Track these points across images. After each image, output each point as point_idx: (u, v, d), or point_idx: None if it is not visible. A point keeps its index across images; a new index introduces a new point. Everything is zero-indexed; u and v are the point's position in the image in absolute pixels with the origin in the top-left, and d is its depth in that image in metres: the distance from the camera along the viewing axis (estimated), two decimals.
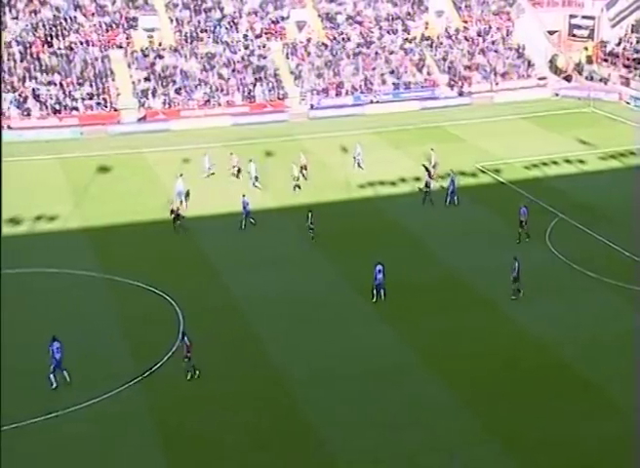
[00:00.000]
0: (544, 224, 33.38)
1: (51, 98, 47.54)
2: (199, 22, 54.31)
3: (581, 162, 41.44)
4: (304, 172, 38.82)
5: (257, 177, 38.27)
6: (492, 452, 20.08)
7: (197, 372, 23.06)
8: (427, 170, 38.67)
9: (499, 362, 23.86)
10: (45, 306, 27.18)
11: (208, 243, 32.29)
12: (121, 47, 51.69)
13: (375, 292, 27.43)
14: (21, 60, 48.79)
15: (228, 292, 28.20)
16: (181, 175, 35.72)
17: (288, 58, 54.05)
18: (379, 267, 27.25)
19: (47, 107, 47.25)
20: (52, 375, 22.47)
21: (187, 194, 35.94)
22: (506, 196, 36.82)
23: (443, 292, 28.17)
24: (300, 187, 37.33)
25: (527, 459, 19.75)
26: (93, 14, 52.71)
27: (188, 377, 23.01)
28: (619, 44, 57.31)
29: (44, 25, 50.81)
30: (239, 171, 39.14)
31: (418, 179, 38.69)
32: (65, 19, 51.72)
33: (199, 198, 36.63)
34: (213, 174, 39.07)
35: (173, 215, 32.85)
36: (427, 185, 36.14)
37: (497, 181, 39.00)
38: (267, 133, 46.27)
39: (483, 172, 40.00)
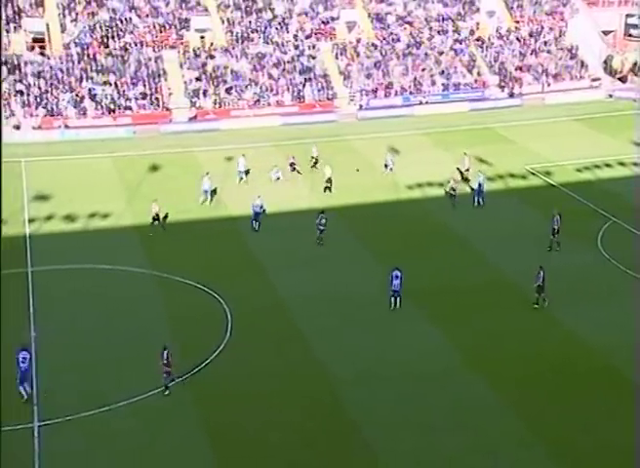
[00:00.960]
0: (596, 228, 32.96)
1: (106, 98, 48.61)
2: (250, 23, 54.81)
3: (636, 165, 40.66)
4: (316, 164, 39.67)
5: (247, 172, 38.81)
6: (537, 456, 19.96)
7: (170, 389, 22.13)
8: (461, 173, 38.28)
9: (546, 365, 23.64)
10: (96, 303, 27.64)
11: (255, 242, 32.57)
12: (174, 47, 52.48)
13: (392, 299, 26.61)
14: (79, 61, 49.99)
15: (275, 290, 28.43)
16: (208, 174, 36.32)
17: (337, 59, 54.16)
18: (395, 272, 26.47)
19: (102, 107, 48.33)
20: (21, 387, 21.56)
21: (214, 192, 36.45)
22: (557, 199, 36.30)
23: (490, 295, 27.97)
24: (330, 190, 37.19)
25: (572, 464, 19.65)
26: (147, 15, 53.65)
27: (166, 393, 22.21)
28: None
29: (101, 27, 51.98)
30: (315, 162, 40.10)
31: (466, 180, 38.39)
32: (121, 21, 52.81)
33: (243, 197, 36.76)
34: (242, 179, 38.91)
35: (153, 217, 33.07)
36: (453, 189, 36.19)
37: (547, 184, 38.55)
38: (316, 133, 46.33)
39: (533, 174, 39.53)
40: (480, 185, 35.90)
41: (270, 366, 23.86)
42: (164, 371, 22.21)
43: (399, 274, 26.45)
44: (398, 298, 26.67)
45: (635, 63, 56.59)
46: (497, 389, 22.52)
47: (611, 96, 53.71)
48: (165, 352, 22.20)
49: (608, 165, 40.61)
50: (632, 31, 57.90)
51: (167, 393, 22.29)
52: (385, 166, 39.63)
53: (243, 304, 27.10)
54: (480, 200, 35.84)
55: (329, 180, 37.45)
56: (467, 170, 38.46)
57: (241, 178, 38.98)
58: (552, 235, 31.16)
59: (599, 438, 20.37)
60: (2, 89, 45.44)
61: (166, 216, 34.32)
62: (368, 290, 28.32)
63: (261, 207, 33.82)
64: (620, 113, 50.10)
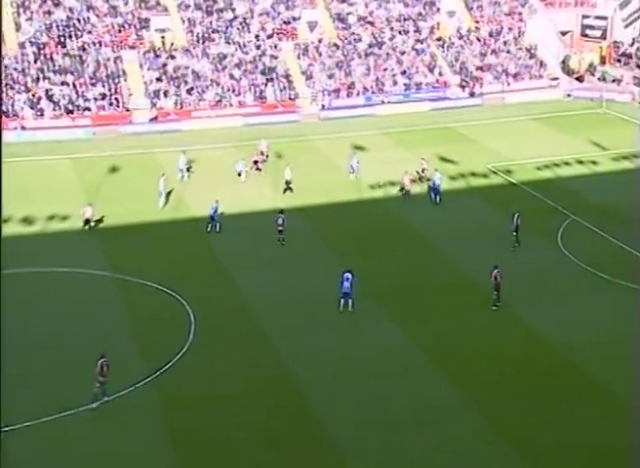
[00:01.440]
0: (556, 225, 33.26)
1: (64, 99, 47.78)
2: (211, 23, 54.43)
3: (594, 163, 41.29)
4: (264, 158, 39.81)
5: (188, 169, 39.06)
6: (500, 454, 19.97)
7: (103, 400, 21.48)
8: (418, 173, 38.40)
9: (508, 364, 23.78)
10: (56, 306, 27.24)
11: (217, 243, 32.32)
12: (133, 47, 51.87)
13: (342, 301, 26.47)
14: (35, 61, 49.07)
15: (238, 291, 28.25)
16: (164, 175, 36.15)
17: (299, 59, 54.03)
18: (346, 275, 26.35)
19: (60, 107, 47.50)
20: None
21: (169, 194, 36.25)
22: (518, 197, 36.62)
23: (452, 293, 28.07)
24: (291, 190, 37.07)
25: (535, 462, 19.66)
26: (105, 14, 52.95)
27: (94, 405, 21.37)
28: (632, 44, 57.02)
29: (57, 26, 51.09)
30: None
31: (428, 180, 38.52)
32: (79, 20, 51.99)
33: (205, 198, 36.35)
34: (182, 177, 38.81)
35: (84, 219, 32.78)
36: (405, 188, 36.70)
37: (508, 182, 38.89)
38: (278, 133, 46.21)
39: (494, 172, 39.88)
40: (435, 183, 36.23)
41: (234, 367, 23.72)
42: (97, 381, 21.37)
43: (349, 276, 26.42)
44: (350, 300, 26.58)
45: (591, 63, 57.45)
46: (459, 388, 22.57)
47: (569, 95, 54.36)
48: (101, 361, 21.52)
49: (567, 163, 41.08)
50: (588, 32, 58.82)
51: (94, 406, 21.42)
52: (352, 169, 39.22)
53: (206, 306, 26.85)
54: (437, 198, 36.05)
55: (288, 182, 37.30)
56: (424, 170, 38.56)
57: (182, 177, 38.80)
58: (514, 233, 31.40)
59: (559, 435, 20.46)
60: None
61: (100, 221, 33.76)
62: (331, 290, 28.11)
63: (216, 210, 33.35)
64: (578, 112, 50.78)
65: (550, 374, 23.17)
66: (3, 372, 22.20)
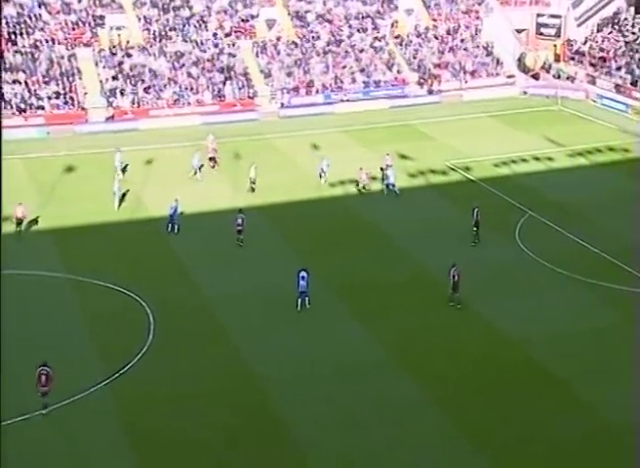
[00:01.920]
0: (514, 221, 33.55)
1: (16, 97, 46.71)
2: (167, 21, 53.75)
3: (550, 159, 41.74)
4: (215, 153, 39.65)
5: (124, 168, 38.69)
6: (460, 450, 20.05)
7: (47, 410, 20.95)
8: (382, 169, 38.41)
9: (468, 359, 23.89)
10: (9, 309, 26.40)
11: (176, 243, 31.99)
12: (88, 45, 50.91)
13: (299, 300, 26.42)
14: None
15: (198, 291, 27.99)
16: (118, 176, 35.52)
17: (258, 57, 53.68)
18: (302, 273, 26.32)
19: (12, 106, 46.42)
20: None
21: (124, 195, 35.79)
22: (476, 193, 36.89)
23: (412, 290, 28.17)
24: (253, 190, 36.91)
25: (494, 457, 19.75)
26: (58, 12, 51.90)
27: (44, 412, 20.84)
28: (585, 43, 57.92)
29: (7, 23, 49.89)
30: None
31: (388, 178, 38.52)
32: (30, 17, 50.87)
33: (164, 198, 35.96)
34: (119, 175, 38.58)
35: (16, 221, 32.15)
36: (363, 186, 36.79)
37: (466, 179, 39.13)
38: (237, 132, 45.93)
39: (453, 169, 40.11)
40: (388, 178, 36.81)
41: (195, 366, 23.50)
42: (40, 392, 20.68)
43: (305, 275, 26.40)
44: (306, 299, 26.56)
45: (546, 61, 58.11)
46: (420, 384, 22.66)
47: (525, 92, 54.88)
48: (39, 370, 20.78)
49: (524, 160, 41.45)
50: (543, 30, 59.63)
51: (44, 412, 20.91)
52: (320, 174, 38.45)
53: (165, 306, 26.59)
54: (394, 191, 36.54)
55: (252, 181, 37.03)
56: (388, 166, 38.70)
57: (118, 175, 38.43)
58: (474, 229, 31.56)
59: (519, 430, 20.65)
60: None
61: (34, 221, 33.09)
62: (291, 288, 27.92)
63: (175, 209, 32.91)
64: (534, 109, 51.22)
65: (510, 370, 23.35)
66: None
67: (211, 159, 39.98)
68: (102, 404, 21.74)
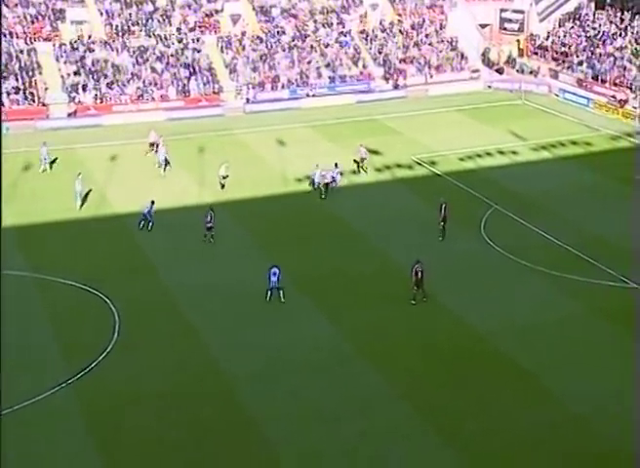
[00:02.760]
0: (479, 215, 33.74)
1: None
2: (130, 15, 53.08)
3: (514, 153, 42.01)
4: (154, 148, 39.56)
5: (52, 162, 38.19)
6: (428, 443, 20.05)
7: None
8: (357, 162, 38.46)
9: (435, 352, 23.86)
10: None
11: (143, 240, 31.61)
12: (48, 39, 50.03)
13: (270, 292, 26.56)
14: None
15: (165, 288, 27.63)
16: (80, 175, 34.83)
17: (222, 52, 53.20)
18: (274, 270, 26.44)
19: None
20: None
21: (87, 194, 35.17)
22: (442, 187, 36.98)
23: (378, 284, 28.09)
24: (223, 186, 36.50)
25: (464, 450, 19.74)
26: (16, 4, 50.93)
27: None
28: (547, 38, 58.54)
29: None
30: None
31: (354, 173, 38.70)
32: None
33: (129, 194, 35.94)
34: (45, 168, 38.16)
35: None
36: (333, 178, 36.42)
37: (432, 173, 39.27)
38: (202, 127, 45.51)
39: (419, 164, 40.24)
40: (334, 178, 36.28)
41: (163, 365, 23.17)
42: None
43: (276, 271, 26.44)
44: (281, 292, 26.65)
45: (510, 56, 58.63)
46: (387, 377, 22.60)
47: (489, 87, 55.23)
48: None
49: (489, 154, 41.67)
50: (506, 25, 60.18)
51: None
52: (314, 184, 36.55)
53: (131, 304, 26.17)
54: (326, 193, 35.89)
55: (224, 177, 36.63)
56: (363, 159, 38.67)
57: (44, 169, 37.99)
58: (441, 223, 31.56)
59: (486, 422, 20.71)
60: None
61: None
62: (259, 284, 27.83)
63: (150, 210, 32.52)
64: (499, 103, 51.56)
65: (477, 362, 23.36)
66: None
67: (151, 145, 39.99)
68: (66, 403, 21.35)
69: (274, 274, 26.45)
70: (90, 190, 35.77)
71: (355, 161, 38.44)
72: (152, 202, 32.65)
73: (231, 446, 19.84)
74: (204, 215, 31.20)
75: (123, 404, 21.37)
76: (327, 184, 35.88)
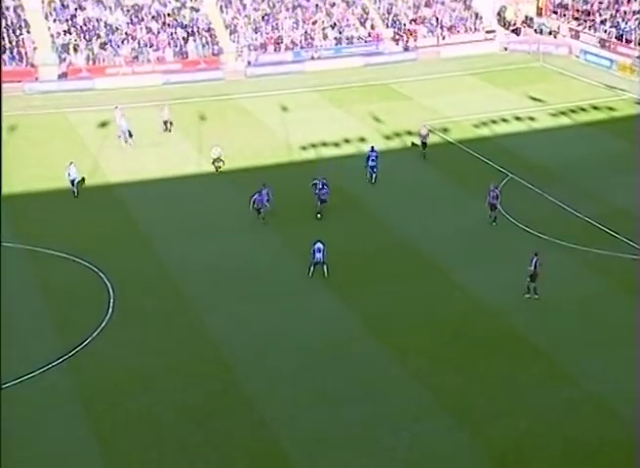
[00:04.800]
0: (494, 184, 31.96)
1: None
2: None
3: (532, 119, 40.83)
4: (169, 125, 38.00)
5: (130, 133, 36.59)
6: (439, 425, 19.38)
7: None
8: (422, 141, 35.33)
9: (448, 331, 23.13)
10: None
11: (138, 210, 30.61)
12: None
13: (312, 268, 25.54)
14: None
15: (161, 262, 26.82)
16: (72, 163, 32.47)
17: (222, 12, 51.72)
18: (318, 245, 25.38)
19: None
20: None
21: (82, 180, 33.20)
22: (455, 156, 35.84)
23: (390, 260, 27.18)
24: (218, 170, 34.24)
25: (477, 432, 19.08)
26: None
27: None
28: None
29: None
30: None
31: (362, 140, 37.40)
32: None
33: (124, 163, 34.79)
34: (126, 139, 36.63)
35: None
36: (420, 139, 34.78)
37: (445, 141, 38.04)
38: (201, 92, 44.52)
39: (430, 131, 38.82)
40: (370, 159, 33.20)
41: (158, 343, 22.49)
42: None
43: (321, 247, 25.39)
44: (325, 266, 25.56)
45: (527, 15, 57.21)
46: (400, 357, 21.87)
47: (505, 48, 54.00)
48: None
49: (504, 120, 40.60)
50: None
51: None
52: (215, 162, 33.71)
53: (126, 278, 25.54)
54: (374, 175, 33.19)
55: (218, 160, 34.51)
56: (426, 136, 35.55)
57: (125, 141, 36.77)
58: (491, 210, 29.14)
59: (500, 403, 20.09)
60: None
61: None
62: (262, 259, 27.07)
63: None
64: (515, 66, 50.41)
65: (490, 341, 22.60)
66: None
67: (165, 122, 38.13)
68: (59, 382, 20.80)
69: (319, 250, 25.43)
70: (84, 178, 33.52)
71: (415, 144, 36.25)
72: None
73: (229, 428, 19.29)
74: (256, 193, 29.02)
75: (118, 382, 20.87)
76: (372, 167, 33.00)
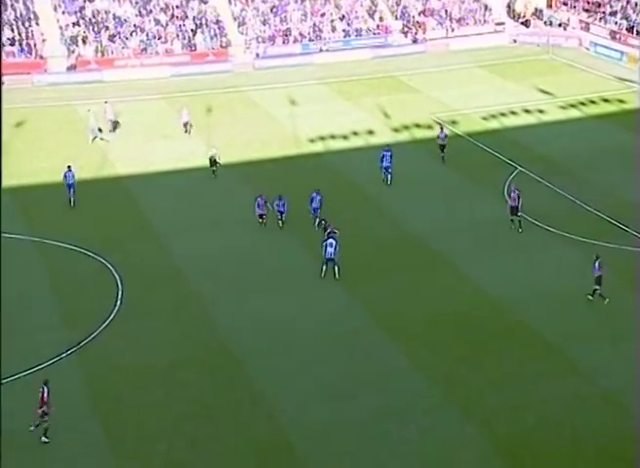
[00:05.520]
0: (502, 178, 32.24)
1: None
2: None
3: (541, 112, 40.54)
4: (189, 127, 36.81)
5: (100, 129, 36.25)
6: (447, 419, 19.24)
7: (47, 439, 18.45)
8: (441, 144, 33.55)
9: (456, 323, 23.03)
10: None
11: (145, 203, 30.57)
12: None
13: (324, 267, 24.90)
14: None
15: (170, 254, 26.81)
16: (70, 167, 31.34)
17: (231, 4, 51.45)
18: (330, 241, 24.60)
19: None
20: None
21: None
22: (463, 149, 35.56)
23: (397, 251, 27.10)
24: (215, 172, 33.38)
25: (485, 426, 18.97)
26: None
27: (44, 440, 18.38)
28: None
29: None
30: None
31: (371, 132, 37.26)
32: None
33: (132, 155, 34.80)
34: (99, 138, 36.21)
35: None
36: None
37: (453, 133, 37.73)
38: (209, 84, 44.38)
39: (439, 123, 38.66)
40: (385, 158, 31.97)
41: (167, 336, 22.44)
42: (41, 412, 18.36)
43: (333, 242, 24.66)
44: (335, 267, 24.83)
45: (537, 7, 56.60)
46: (407, 350, 21.77)
47: (515, 41, 53.59)
48: (45, 386, 18.56)
49: (513, 112, 40.34)
50: None
51: (46, 441, 18.44)
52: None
53: (135, 270, 25.68)
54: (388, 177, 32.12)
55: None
56: (444, 137, 34.39)
57: (95, 137, 36.41)
58: (513, 214, 28.17)
59: (509, 396, 19.99)
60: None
61: None
62: (271, 253, 26.97)
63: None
64: (525, 58, 50.02)
65: (499, 333, 22.50)
66: None
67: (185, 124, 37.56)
68: (67, 374, 20.76)
69: (330, 245, 24.63)
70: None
71: (440, 137, 33.94)
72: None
73: (237, 421, 19.23)
74: (275, 199, 28.60)
75: (126, 375, 20.83)
76: (387, 168, 31.82)
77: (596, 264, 23.72)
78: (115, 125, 37.35)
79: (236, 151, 35.03)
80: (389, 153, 31.53)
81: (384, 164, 31.42)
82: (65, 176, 29.87)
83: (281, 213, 28.08)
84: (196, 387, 20.31)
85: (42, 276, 25.30)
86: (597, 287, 23.76)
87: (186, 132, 37.07)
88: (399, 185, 32.04)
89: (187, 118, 37.09)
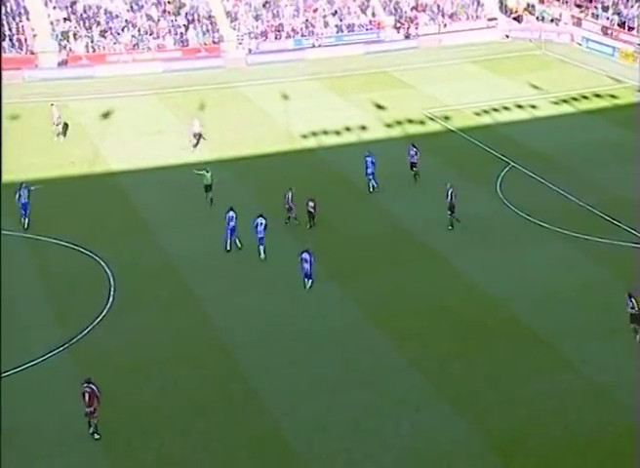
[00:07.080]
0: (495, 173, 32.31)
1: None
2: None
3: (533, 107, 40.61)
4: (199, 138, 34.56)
5: (66, 125, 35.79)
6: (440, 413, 19.27)
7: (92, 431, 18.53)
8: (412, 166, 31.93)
9: (448, 318, 23.06)
10: None
11: (137, 199, 30.48)
12: None
13: (305, 279, 24.16)
14: None
15: (162, 251, 26.74)
16: (24, 184, 30.28)
17: None
18: (304, 255, 23.80)
19: None
20: None
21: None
22: (456, 144, 35.57)
23: (390, 247, 27.10)
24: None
25: (478, 421, 19.00)
26: None
27: (97, 437, 18.45)
28: None
29: None
30: (65, 127, 36.24)
31: (363, 128, 37.21)
32: None
33: (125, 151, 34.66)
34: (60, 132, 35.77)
35: None
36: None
37: (446, 129, 37.87)
38: (202, 80, 44.25)
39: (431, 119, 38.83)
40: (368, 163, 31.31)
41: (160, 332, 22.44)
42: (88, 411, 18.30)
43: (307, 257, 23.79)
44: (310, 281, 24.15)
45: (529, 2, 56.58)
46: (397, 345, 21.77)
47: (507, 36, 53.72)
48: (84, 386, 18.36)
49: (506, 108, 40.39)
50: None
51: (97, 437, 18.51)
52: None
53: (127, 267, 25.57)
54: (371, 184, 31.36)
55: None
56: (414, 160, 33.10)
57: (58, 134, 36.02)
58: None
59: (502, 390, 20.03)
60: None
61: None
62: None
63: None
64: (517, 54, 50.15)
65: (491, 329, 22.49)
66: None
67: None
68: (59, 370, 20.75)
69: (305, 260, 23.84)
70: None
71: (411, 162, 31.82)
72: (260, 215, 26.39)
73: (230, 416, 19.24)
74: (284, 196, 28.34)
75: (118, 371, 20.78)
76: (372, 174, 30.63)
77: (630, 303, 21.90)
78: (65, 127, 36.26)
79: (228, 147, 34.87)
80: (371, 159, 30.57)
81: (369, 170, 30.54)
82: (20, 195, 27.28)
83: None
84: (189, 383, 20.29)
85: (34, 273, 25.22)
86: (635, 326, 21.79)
87: (196, 144, 34.32)
88: (392, 180, 31.92)
89: (199, 129, 34.59)
